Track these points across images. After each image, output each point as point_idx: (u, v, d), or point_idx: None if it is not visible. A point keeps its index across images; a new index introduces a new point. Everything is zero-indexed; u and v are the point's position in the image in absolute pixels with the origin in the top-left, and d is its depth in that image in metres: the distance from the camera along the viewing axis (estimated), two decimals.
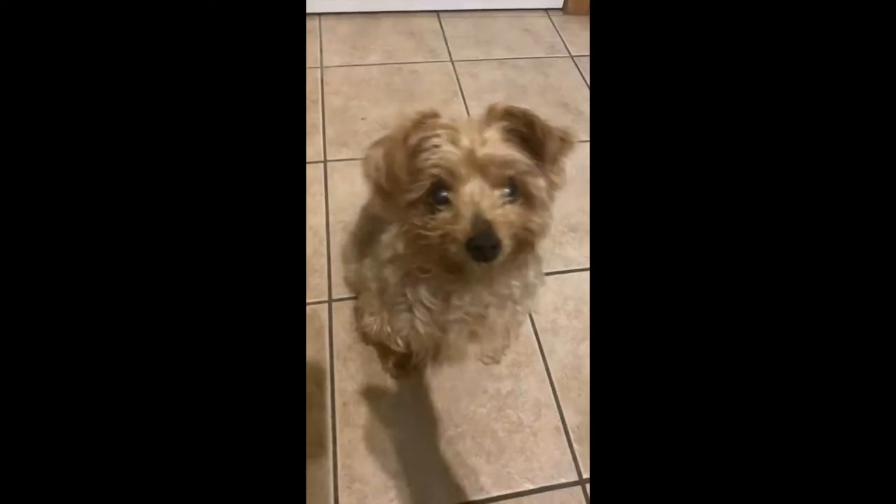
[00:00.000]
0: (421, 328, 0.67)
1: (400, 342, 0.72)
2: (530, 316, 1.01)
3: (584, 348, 0.97)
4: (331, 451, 0.83)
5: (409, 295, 0.66)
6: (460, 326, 0.66)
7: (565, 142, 0.54)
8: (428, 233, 0.52)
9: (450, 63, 1.55)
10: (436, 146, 0.52)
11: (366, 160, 0.54)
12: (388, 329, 0.72)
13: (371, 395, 0.89)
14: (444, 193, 0.52)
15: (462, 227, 0.49)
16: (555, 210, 1.18)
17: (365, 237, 0.86)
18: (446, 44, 1.62)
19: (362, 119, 1.35)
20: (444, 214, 0.51)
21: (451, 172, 0.51)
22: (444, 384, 0.91)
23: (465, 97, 1.44)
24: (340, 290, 1.02)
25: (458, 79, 1.50)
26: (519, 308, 0.69)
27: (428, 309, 0.66)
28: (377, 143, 0.54)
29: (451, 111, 1.39)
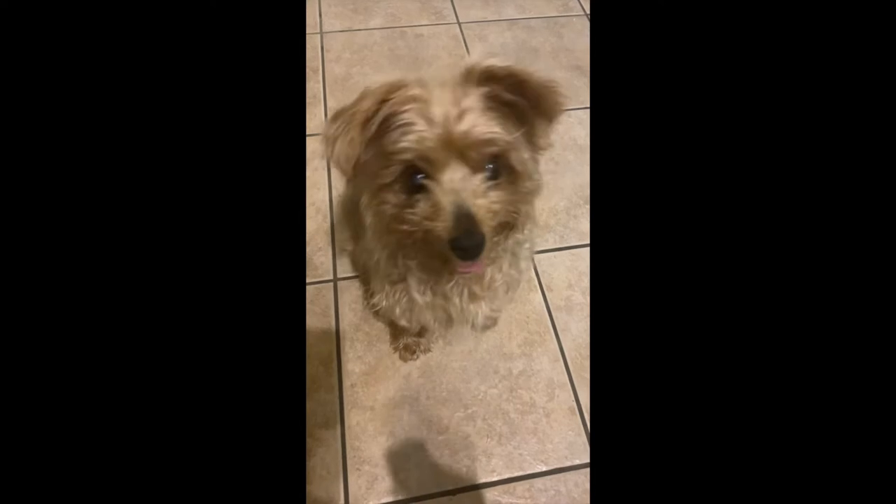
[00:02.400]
0: (419, 298, 0.63)
1: (399, 314, 0.68)
2: (543, 293, 0.97)
3: None
4: (339, 433, 0.82)
5: (399, 265, 0.62)
6: (459, 289, 0.62)
7: (559, 100, 0.47)
8: (405, 226, 0.48)
9: (456, 25, 1.47)
10: (406, 124, 0.45)
11: (324, 139, 0.47)
12: (390, 304, 0.67)
13: (379, 375, 0.88)
14: (420, 178, 0.46)
15: (444, 225, 0.45)
16: (567, 181, 1.14)
17: (353, 206, 0.80)
18: (452, 4, 1.52)
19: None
20: (423, 206, 0.46)
21: (426, 158, 0.45)
22: (453, 364, 0.89)
23: None
24: (346, 269, 0.99)
25: (465, 42, 1.42)
26: (515, 261, 0.64)
27: (421, 277, 0.62)
28: (336, 118, 0.47)
29: None
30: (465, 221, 0.44)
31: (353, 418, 0.83)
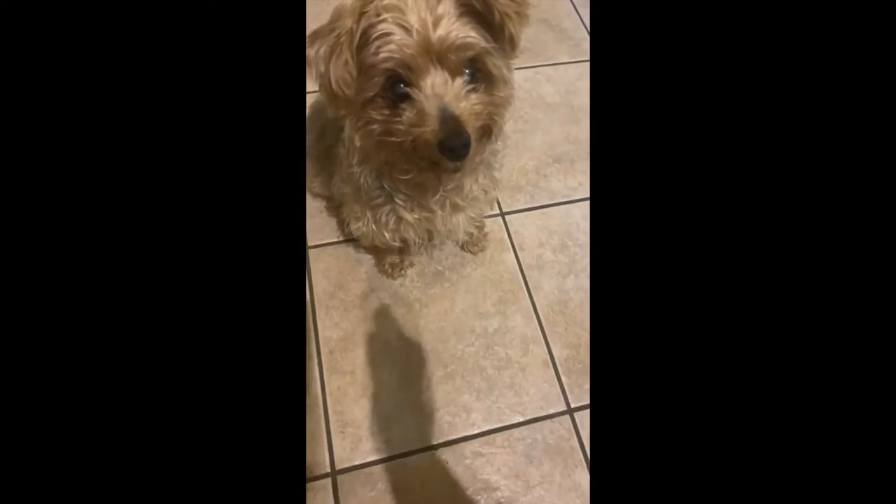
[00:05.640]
0: (408, 216, 0.67)
1: (388, 235, 0.71)
2: (515, 252, 0.98)
3: (570, 283, 0.96)
4: (320, 399, 0.83)
5: (386, 186, 0.65)
6: (442, 202, 0.66)
7: (521, 15, 0.49)
8: (394, 137, 0.49)
9: None
10: (385, 34, 0.46)
11: (308, 62, 0.48)
12: (374, 227, 0.71)
13: (357, 341, 0.88)
14: (403, 87, 0.48)
15: (431, 129, 0.47)
16: (536, 139, 1.14)
17: (322, 153, 0.82)
18: None
19: None
20: (408, 115, 0.48)
21: (407, 65, 0.46)
22: (431, 325, 0.90)
23: None
24: (316, 237, 0.97)
25: None
26: (489, 171, 0.69)
27: (407, 195, 0.65)
28: (315, 38, 0.48)
29: None
30: (451, 123, 0.46)
31: (333, 383, 0.84)
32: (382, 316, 0.91)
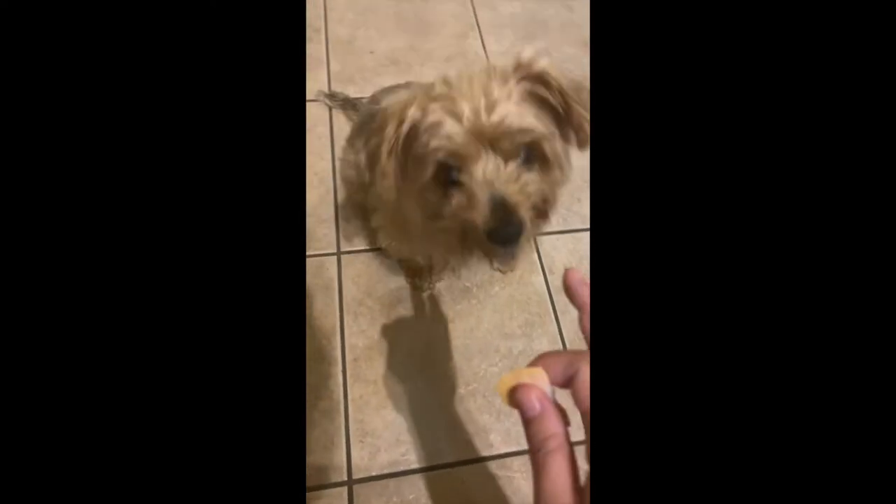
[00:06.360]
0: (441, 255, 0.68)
1: (421, 259, 0.73)
2: (544, 275, 0.98)
3: None
4: (342, 405, 0.83)
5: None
6: None
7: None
8: (444, 222, 0.49)
9: None
10: (434, 124, 0.45)
11: (351, 143, 0.53)
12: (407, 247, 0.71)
13: (382, 350, 0.89)
14: (455, 175, 0.47)
15: (481, 215, 0.45)
16: (573, 162, 1.13)
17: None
18: None
19: (370, 53, 1.24)
20: (459, 198, 0.47)
21: (457, 154, 0.45)
22: (456, 342, 0.90)
23: (482, 31, 1.32)
24: (349, 243, 0.98)
25: (474, 10, 1.36)
26: None
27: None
28: (362, 133, 0.52)
29: (466, 46, 1.28)
30: (501, 211, 0.45)
31: (356, 391, 0.85)
32: (408, 328, 0.91)
